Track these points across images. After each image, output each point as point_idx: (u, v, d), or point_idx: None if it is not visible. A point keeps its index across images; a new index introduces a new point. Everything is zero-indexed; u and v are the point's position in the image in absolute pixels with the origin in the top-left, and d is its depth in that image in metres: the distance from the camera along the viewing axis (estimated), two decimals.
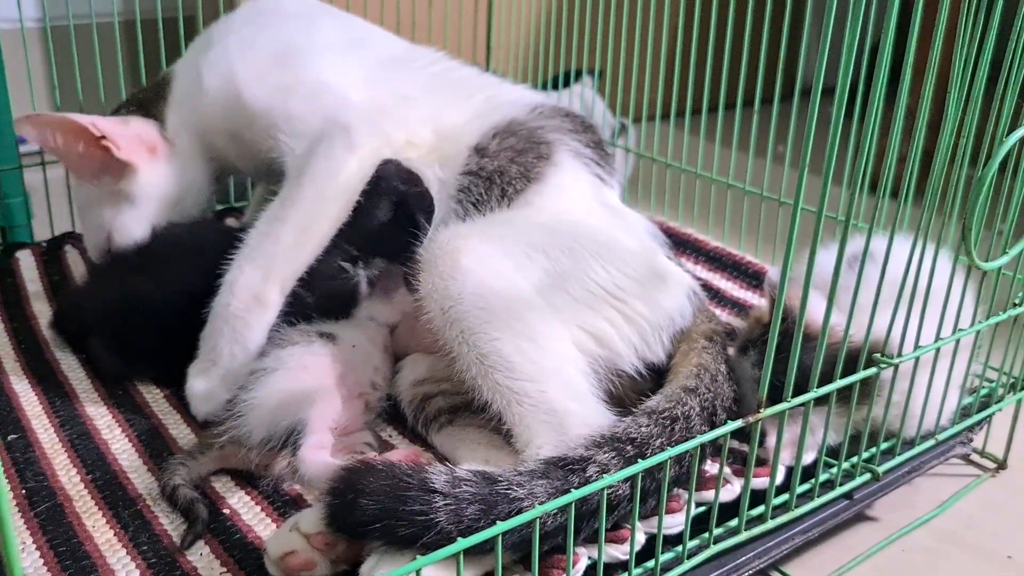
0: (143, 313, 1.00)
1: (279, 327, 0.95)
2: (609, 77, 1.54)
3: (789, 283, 0.73)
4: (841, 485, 0.88)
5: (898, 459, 0.92)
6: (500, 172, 1.01)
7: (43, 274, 1.27)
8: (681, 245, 1.37)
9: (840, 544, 0.93)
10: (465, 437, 0.89)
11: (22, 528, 0.80)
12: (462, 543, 0.62)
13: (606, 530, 0.73)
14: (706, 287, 1.27)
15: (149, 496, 0.85)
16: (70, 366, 1.06)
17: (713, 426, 0.84)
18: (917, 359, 0.87)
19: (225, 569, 0.77)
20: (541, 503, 0.69)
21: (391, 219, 1.00)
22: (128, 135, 1.10)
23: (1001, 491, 1.04)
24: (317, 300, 0.97)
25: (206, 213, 1.20)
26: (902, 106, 0.75)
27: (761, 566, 0.83)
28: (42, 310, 1.18)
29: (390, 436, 0.97)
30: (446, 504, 0.68)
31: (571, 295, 0.89)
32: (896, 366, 0.85)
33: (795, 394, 0.77)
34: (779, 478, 0.82)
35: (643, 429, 0.80)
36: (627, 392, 0.90)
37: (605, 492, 0.69)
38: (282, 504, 0.85)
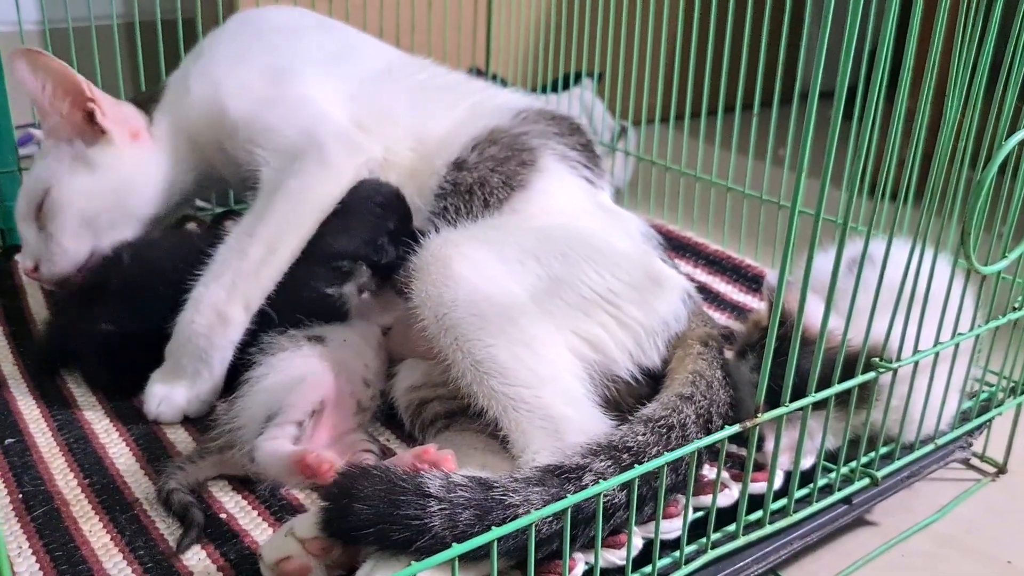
0: (122, 347, 0.99)
1: (271, 336, 0.94)
2: (609, 80, 1.54)
3: (787, 286, 0.72)
4: (840, 490, 0.87)
5: (897, 464, 0.92)
6: (481, 183, 1.01)
7: None
8: (680, 248, 1.37)
9: (839, 549, 0.93)
10: (462, 442, 0.89)
11: (18, 532, 0.80)
12: (457, 549, 0.62)
13: (603, 536, 0.73)
14: (705, 290, 1.27)
15: (146, 500, 0.85)
16: (68, 370, 1.06)
17: (709, 432, 0.83)
18: (916, 363, 0.87)
19: (221, 574, 0.76)
20: (537, 510, 0.69)
21: (376, 234, 1.01)
22: (116, 111, 1.10)
23: (1001, 496, 1.03)
24: (307, 318, 0.97)
25: (164, 223, 1.18)
26: (901, 108, 0.75)
27: (759, 571, 0.82)
28: (40, 314, 1.18)
29: (387, 441, 0.97)
30: (441, 509, 0.68)
31: (565, 300, 0.89)
32: (895, 370, 0.85)
33: (793, 398, 0.77)
34: (777, 483, 0.82)
35: (639, 437, 0.80)
36: (623, 397, 0.90)
37: (601, 499, 0.69)
38: (279, 508, 0.85)
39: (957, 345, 0.91)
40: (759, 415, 0.75)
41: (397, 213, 1.03)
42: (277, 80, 1.08)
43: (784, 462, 0.83)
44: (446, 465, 0.78)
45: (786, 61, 1.23)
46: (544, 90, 1.75)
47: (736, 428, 0.75)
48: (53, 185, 1.08)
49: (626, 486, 0.73)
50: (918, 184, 0.80)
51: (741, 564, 0.81)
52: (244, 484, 0.88)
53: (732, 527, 0.80)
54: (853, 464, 0.89)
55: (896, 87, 0.74)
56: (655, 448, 0.79)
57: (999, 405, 1.03)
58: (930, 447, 0.95)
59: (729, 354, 0.96)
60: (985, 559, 0.94)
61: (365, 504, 0.68)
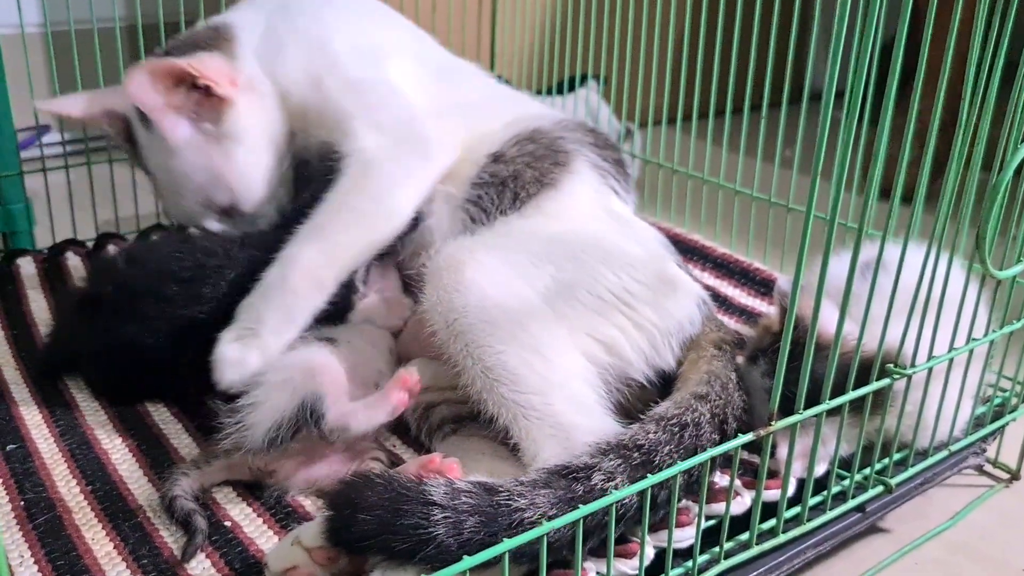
0: (133, 360, 0.97)
1: None
2: (615, 82, 1.53)
3: (800, 292, 0.71)
4: (854, 497, 0.86)
5: (911, 471, 0.91)
6: (515, 176, 1.01)
7: (44, 281, 1.26)
8: (688, 251, 1.36)
9: (852, 557, 0.92)
10: (469, 447, 0.88)
11: (20, 541, 0.79)
12: (468, 561, 0.61)
13: (614, 542, 0.72)
14: (713, 294, 1.25)
15: (150, 508, 0.84)
16: (70, 375, 1.05)
17: (724, 433, 0.82)
18: (930, 369, 0.86)
19: None
20: (544, 513, 0.68)
21: None
22: (215, 69, 1.02)
23: (1015, 502, 1.02)
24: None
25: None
26: (914, 111, 0.74)
27: None
28: (43, 318, 1.17)
29: (394, 446, 0.96)
30: (445, 517, 0.67)
31: (580, 301, 0.88)
32: (909, 376, 0.83)
33: (807, 405, 0.75)
34: (790, 491, 0.81)
35: (651, 436, 0.78)
36: (635, 403, 0.88)
37: (614, 507, 0.68)
38: (284, 516, 0.83)
39: (971, 351, 0.90)
40: (773, 423, 0.74)
41: None
42: (381, 59, 1.07)
43: (797, 469, 0.82)
44: (451, 473, 0.77)
45: (794, 62, 1.22)
46: (549, 92, 1.74)
47: (750, 436, 0.74)
48: (230, 181, 1.05)
49: (640, 492, 0.72)
50: (931, 187, 0.79)
51: (754, 574, 0.80)
52: (250, 491, 0.87)
53: (745, 536, 0.79)
54: (867, 471, 0.88)
55: (910, 88, 0.73)
56: (667, 447, 0.78)
57: (1013, 411, 1.02)
58: (944, 453, 0.94)
59: (739, 359, 0.95)
60: (998, 566, 0.92)
61: (369, 514, 0.67)
